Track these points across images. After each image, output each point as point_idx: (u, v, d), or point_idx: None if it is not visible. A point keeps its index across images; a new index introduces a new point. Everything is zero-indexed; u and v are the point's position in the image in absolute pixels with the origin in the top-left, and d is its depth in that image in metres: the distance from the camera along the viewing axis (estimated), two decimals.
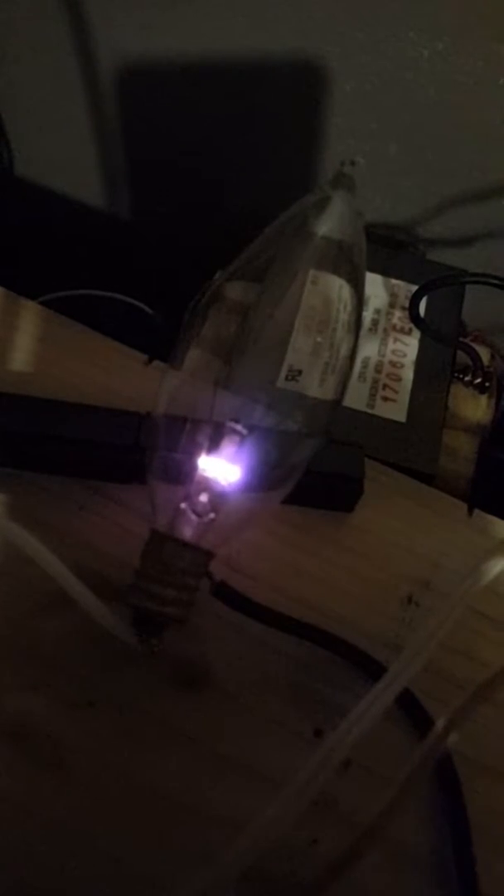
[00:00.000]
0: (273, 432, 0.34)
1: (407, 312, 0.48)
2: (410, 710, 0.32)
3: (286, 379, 0.41)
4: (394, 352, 0.47)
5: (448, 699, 0.27)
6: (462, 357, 0.47)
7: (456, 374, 0.47)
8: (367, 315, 0.48)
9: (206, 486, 0.31)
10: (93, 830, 0.29)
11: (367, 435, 0.42)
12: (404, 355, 0.47)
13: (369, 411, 0.44)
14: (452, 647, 0.33)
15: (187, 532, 0.31)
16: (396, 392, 0.45)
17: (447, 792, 0.30)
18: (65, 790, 0.29)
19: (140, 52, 0.58)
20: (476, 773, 0.31)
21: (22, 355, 0.41)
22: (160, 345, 0.42)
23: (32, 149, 0.70)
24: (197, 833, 0.29)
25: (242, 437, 0.32)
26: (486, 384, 0.47)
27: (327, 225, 0.41)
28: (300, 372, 0.41)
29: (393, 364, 0.46)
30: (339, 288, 0.41)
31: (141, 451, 0.34)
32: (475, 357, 0.47)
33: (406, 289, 0.50)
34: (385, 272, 0.51)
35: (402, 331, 0.48)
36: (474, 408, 0.48)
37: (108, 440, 0.35)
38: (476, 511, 0.39)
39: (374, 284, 0.50)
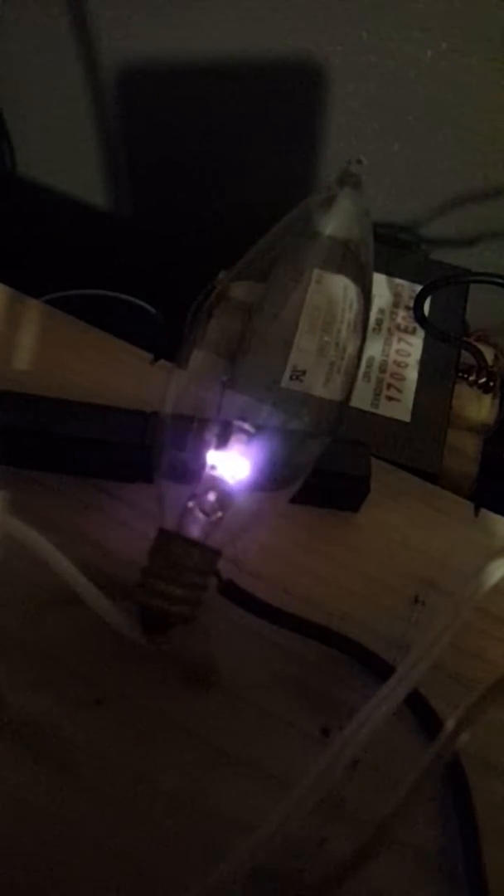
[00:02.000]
0: (280, 431, 0.34)
1: (411, 312, 0.48)
2: (418, 709, 0.32)
3: (290, 379, 0.41)
4: (398, 351, 0.47)
5: (455, 698, 0.27)
6: (466, 357, 0.47)
7: (460, 374, 0.47)
8: (372, 315, 0.48)
9: (214, 484, 0.31)
10: (100, 829, 0.29)
11: (371, 434, 0.42)
12: (408, 355, 0.47)
13: (373, 411, 0.44)
14: (460, 647, 0.33)
15: (195, 530, 0.30)
16: (400, 392, 0.45)
17: (455, 791, 0.30)
18: (72, 788, 0.29)
19: (141, 52, 0.58)
20: (484, 772, 0.31)
21: (27, 354, 0.41)
22: (162, 343, 0.42)
23: (35, 149, 0.70)
24: (204, 832, 0.29)
25: (250, 435, 0.32)
26: (490, 384, 0.47)
27: (332, 224, 0.41)
28: (304, 372, 0.41)
29: (397, 364, 0.46)
30: (343, 287, 0.41)
31: (147, 450, 0.34)
32: (479, 357, 0.47)
33: (410, 288, 0.50)
34: (389, 272, 0.51)
35: (406, 330, 0.48)
36: (478, 407, 0.48)
37: (115, 439, 0.35)
38: (482, 510, 0.39)
39: (378, 284, 0.50)
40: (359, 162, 0.43)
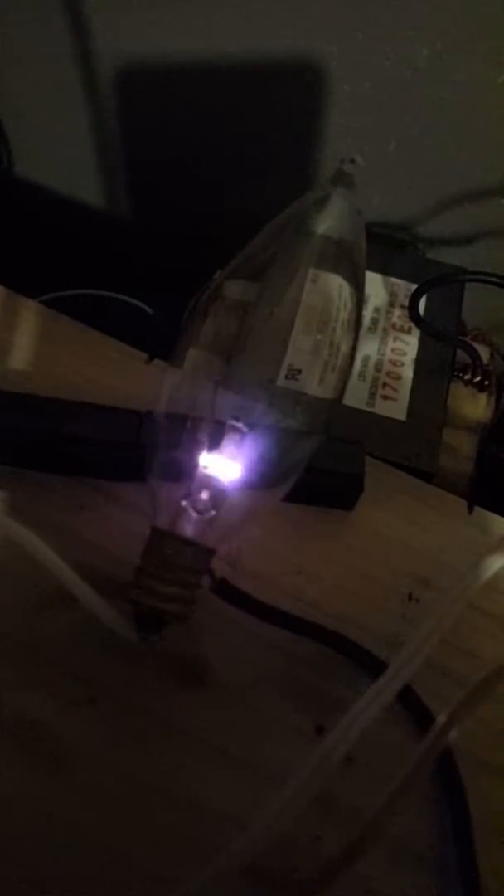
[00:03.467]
0: (273, 430, 0.34)
1: (406, 311, 0.48)
2: (411, 706, 0.32)
3: (286, 377, 0.41)
4: (393, 350, 0.47)
5: (448, 695, 0.27)
6: (462, 356, 0.48)
7: (456, 373, 0.47)
8: (367, 314, 0.48)
9: (207, 483, 0.31)
10: (93, 828, 0.29)
11: (367, 433, 0.42)
12: (404, 354, 0.47)
13: (369, 410, 0.44)
14: (452, 644, 0.34)
15: (188, 529, 0.31)
16: (396, 391, 0.45)
17: (448, 788, 0.30)
18: (66, 787, 0.29)
19: (140, 52, 0.58)
20: (477, 768, 0.31)
21: (22, 354, 0.41)
22: (159, 343, 0.42)
23: (32, 149, 0.70)
24: (198, 830, 0.29)
25: (243, 434, 0.32)
26: (486, 382, 0.47)
27: (327, 223, 0.41)
28: (300, 371, 0.41)
29: (393, 363, 0.46)
30: (338, 286, 0.41)
31: (141, 449, 0.34)
32: (475, 355, 0.47)
33: (406, 287, 0.50)
34: (384, 271, 0.51)
35: (401, 329, 0.48)
36: (474, 406, 0.48)
37: (109, 438, 0.35)
38: (476, 508, 0.39)
39: (374, 283, 0.50)
40: (352, 161, 0.43)
